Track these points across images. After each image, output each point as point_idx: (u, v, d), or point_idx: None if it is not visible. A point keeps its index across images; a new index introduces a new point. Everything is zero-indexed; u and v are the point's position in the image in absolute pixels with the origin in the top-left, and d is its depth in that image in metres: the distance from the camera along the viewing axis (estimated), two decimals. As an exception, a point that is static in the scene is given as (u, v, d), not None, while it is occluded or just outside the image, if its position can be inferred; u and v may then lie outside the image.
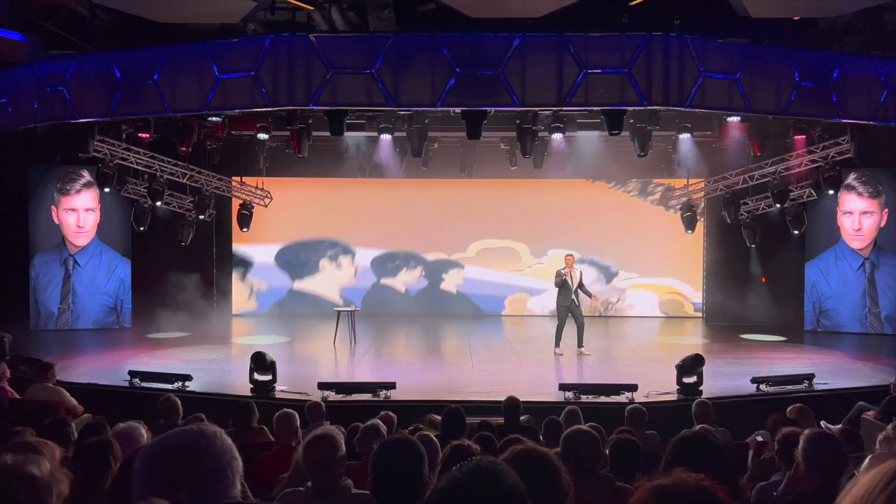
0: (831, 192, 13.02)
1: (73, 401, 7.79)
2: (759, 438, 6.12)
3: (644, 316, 16.34)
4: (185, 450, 1.57)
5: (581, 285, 11.87)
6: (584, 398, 8.83)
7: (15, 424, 4.87)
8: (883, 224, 13.91)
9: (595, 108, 10.18)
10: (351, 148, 14.39)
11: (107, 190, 13.13)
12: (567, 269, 11.82)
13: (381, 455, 2.76)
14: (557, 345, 11.93)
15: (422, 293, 16.79)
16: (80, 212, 14.35)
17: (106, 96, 10.01)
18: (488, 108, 9.97)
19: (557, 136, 12.22)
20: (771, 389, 9.30)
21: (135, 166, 13.46)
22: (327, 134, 10.70)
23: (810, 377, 9.54)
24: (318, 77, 9.27)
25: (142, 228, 13.97)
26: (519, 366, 11.51)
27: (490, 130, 11.74)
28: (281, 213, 16.04)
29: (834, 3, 9.07)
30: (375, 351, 12.89)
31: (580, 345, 11.81)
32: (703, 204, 15.49)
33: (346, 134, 11.16)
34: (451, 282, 16.81)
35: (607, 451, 4.28)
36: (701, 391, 9.03)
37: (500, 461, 1.62)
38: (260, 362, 9.24)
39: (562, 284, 11.79)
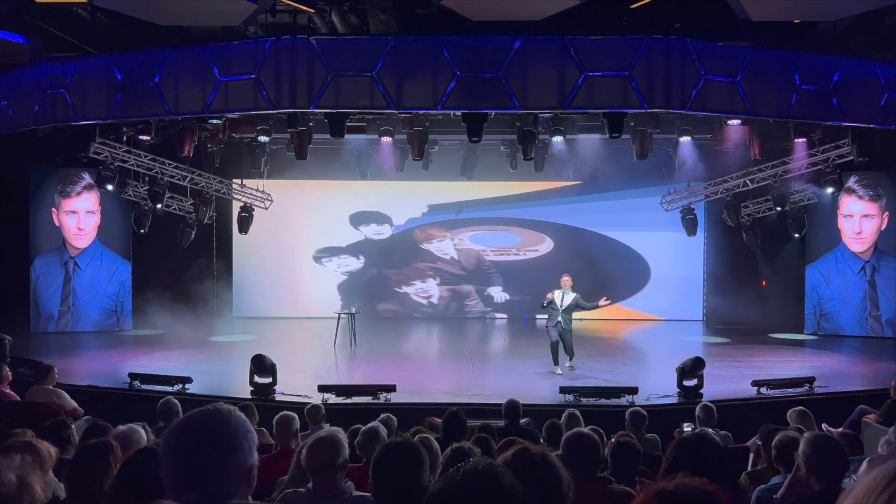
0: (830, 189, 13.01)
1: (74, 403, 7.79)
2: (759, 442, 6.12)
3: (644, 319, 16.33)
4: (203, 426, 1.78)
5: (578, 306, 11.17)
6: (584, 401, 8.84)
7: (15, 427, 4.87)
8: (883, 227, 13.90)
9: (596, 111, 10.19)
10: (352, 150, 14.43)
11: (109, 188, 13.08)
12: (550, 293, 11.18)
13: (381, 458, 2.76)
14: (556, 363, 11.18)
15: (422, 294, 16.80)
16: (80, 214, 14.35)
17: (107, 99, 10.02)
18: (489, 111, 9.97)
19: (558, 139, 12.22)
20: (772, 393, 9.30)
21: (135, 168, 13.47)
22: (328, 136, 10.70)
23: (811, 380, 9.54)
24: (319, 80, 9.27)
25: (142, 231, 13.97)
26: (519, 369, 11.49)
27: (490, 133, 11.74)
28: (282, 215, 16.06)
29: (834, 6, 9.07)
30: (375, 353, 12.88)
31: (569, 359, 11.24)
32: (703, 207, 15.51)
33: (347, 136, 11.16)
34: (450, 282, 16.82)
35: (607, 455, 4.28)
36: (701, 394, 9.03)
37: (498, 463, 1.61)
38: (260, 365, 9.24)
39: (545, 305, 11.22)
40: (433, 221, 16.62)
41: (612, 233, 16.57)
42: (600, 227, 16.59)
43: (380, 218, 16.34)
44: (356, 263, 16.35)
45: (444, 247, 16.13)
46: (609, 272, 16.34)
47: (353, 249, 16.44)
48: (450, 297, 15.93)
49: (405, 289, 15.86)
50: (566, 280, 11.34)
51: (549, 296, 11.22)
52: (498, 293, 16.23)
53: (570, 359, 11.34)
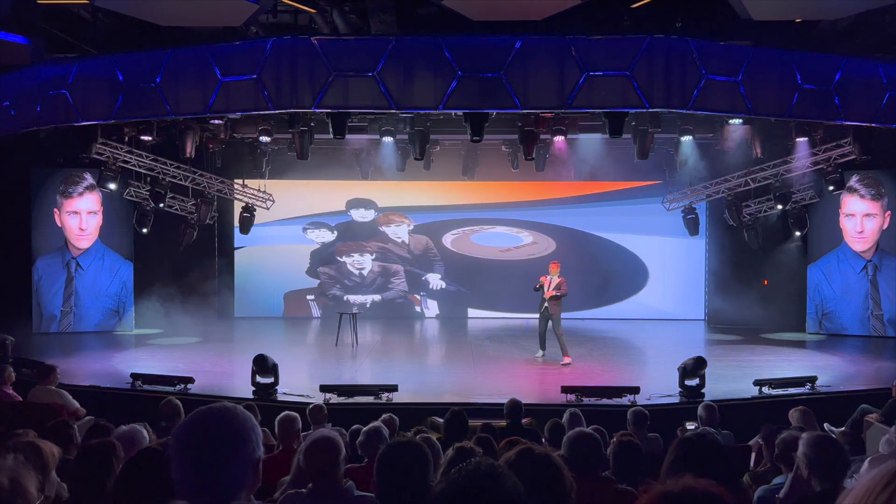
0: (832, 189, 13.01)
1: (76, 403, 7.80)
2: (761, 441, 6.11)
3: (646, 318, 16.32)
4: (211, 422, 1.84)
5: (557, 287, 11.58)
6: (586, 401, 8.83)
7: (17, 427, 4.88)
8: (885, 226, 13.89)
9: (597, 111, 10.18)
10: (353, 150, 14.45)
11: (112, 187, 13.08)
12: (544, 276, 11.77)
13: (386, 457, 2.76)
14: (542, 347, 11.85)
15: (422, 296, 16.86)
16: (82, 214, 14.36)
17: (108, 99, 10.03)
18: (490, 111, 9.97)
19: (559, 139, 12.22)
20: (773, 392, 9.29)
21: (137, 169, 13.48)
22: (329, 136, 10.71)
23: (813, 380, 9.53)
24: (321, 80, 9.28)
25: (144, 231, 13.98)
26: (521, 368, 11.49)
27: (492, 133, 11.74)
28: (283, 215, 16.11)
29: (835, 6, 9.07)
30: (377, 353, 12.88)
31: (563, 353, 11.48)
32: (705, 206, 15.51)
33: (349, 136, 11.17)
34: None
35: (609, 454, 4.28)
36: (703, 394, 9.03)
37: (499, 464, 1.62)
38: (262, 365, 9.25)
39: (537, 290, 11.73)
40: (432, 221, 16.75)
41: (613, 232, 16.59)
42: (602, 227, 16.61)
43: (368, 204, 16.83)
44: (330, 236, 16.89)
45: (399, 231, 16.92)
46: (610, 272, 16.39)
47: (334, 227, 16.89)
48: (378, 273, 16.82)
49: (344, 258, 16.82)
50: (553, 266, 11.86)
51: (542, 279, 11.82)
52: (435, 280, 16.82)
53: (541, 350, 11.80)
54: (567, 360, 11.43)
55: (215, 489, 1.78)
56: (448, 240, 16.84)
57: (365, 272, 16.82)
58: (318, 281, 16.79)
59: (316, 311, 16.70)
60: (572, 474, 2.30)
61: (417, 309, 16.79)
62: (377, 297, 16.73)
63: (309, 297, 16.75)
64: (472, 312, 16.77)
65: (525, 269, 15.74)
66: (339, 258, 16.77)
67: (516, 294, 15.59)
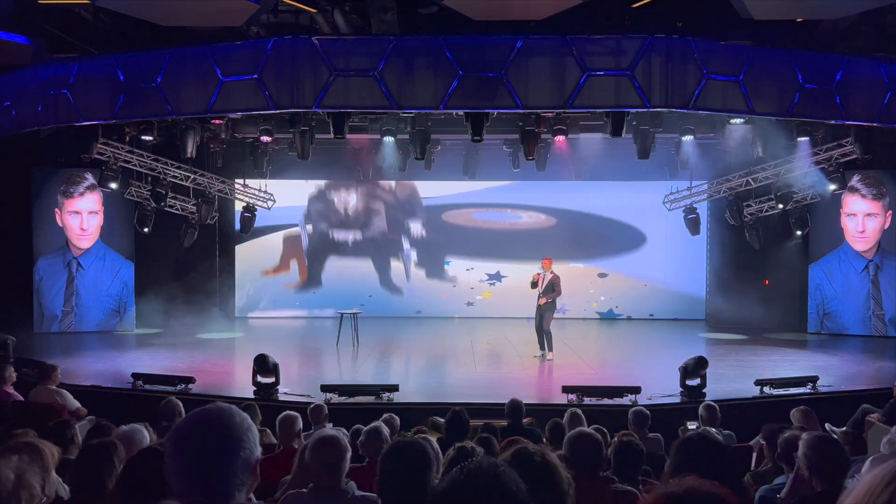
0: (833, 188, 13.00)
1: (77, 403, 7.81)
2: (763, 441, 6.11)
3: (646, 319, 16.31)
4: (209, 424, 1.83)
5: (550, 287, 11.75)
6: (586, 400, 8.83)
7: (18, 427, 4.88)
8: (886, 226, 13.88)
9: (598, 110, 10.18)
10: (354, 150, 14.46)
11: (113, 186, 13.08)
12: (536, 273, 11.86)
13: (390, 458, 2.76)
14: (541, 347, 11.91)
15: (423, 294, 16.85)
16: (83, 214, 14.37)
17: (109, 99, 10.03)
18: (491, 111, 9.97)
19: (560, 139, 12.22)
20: (775, 392, 9.28)
21: (138, 169, 13.48)
22: (330, 136, 10.71)
23: (814, 379, 9.52)
24: (322, 79, 9.28)
25: (145, 230, 13.98)
26: (521, 368, 11.50)
27: (492, 133, 11.75)
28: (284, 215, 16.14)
29: (836, 5, 9.05)
30: (378, 353, 12.88)
31: (540, 348, 11.80)
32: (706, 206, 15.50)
33: (349, 136, 11.17)
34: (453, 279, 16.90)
35: (610, 454, 4.28)
36: (704, 393, 9.02)
37: (502, 462, 1.61)
38: (263, 365, 9.25)
39: (532, 286, 11.86)
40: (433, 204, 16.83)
41: (614, 217, 16.71)
42: (603, 211, 16.74)
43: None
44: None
45: (389, 182, 17.48)
46: (608, 237, 16.43)
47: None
48: (362, 210, 17.46)
49: (333, 195, 17.48)
50: (545, 262, 11.95)
51: (534, 276, 11.89)
52: (417, 228, 17.34)
53: (541, 349, 11.81)
54: (551, 355, 11.65)
55: (212, 490, 1.78)
56: (446, 214, 17.13)
57: (350, 209, 17.51)
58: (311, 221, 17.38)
59: (305, 241, 17.05)
60: (573, 474, 2.30)
61: (396, 243, 17.28)
62: (359, 236, 17.25)
63: (301, 229, 17.12)
64: (449, 259, 17.18)
65: (514, 236, 16.45)
66: (328, 195, 17.39)
67: (497, 249, 16.56)
